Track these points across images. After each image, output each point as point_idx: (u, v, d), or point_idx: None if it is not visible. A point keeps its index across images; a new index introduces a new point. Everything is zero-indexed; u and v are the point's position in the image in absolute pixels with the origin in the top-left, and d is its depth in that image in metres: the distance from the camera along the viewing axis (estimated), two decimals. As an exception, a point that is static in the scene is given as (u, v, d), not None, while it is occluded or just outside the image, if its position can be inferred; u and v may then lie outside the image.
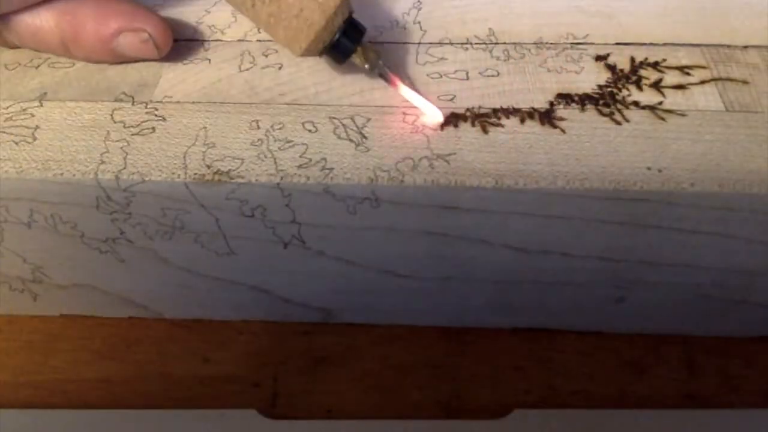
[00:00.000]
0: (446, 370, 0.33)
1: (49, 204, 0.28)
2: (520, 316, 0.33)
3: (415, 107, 0.28)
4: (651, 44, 0.31)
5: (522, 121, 0.28)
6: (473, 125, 0.28)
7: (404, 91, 0.28)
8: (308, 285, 0.32)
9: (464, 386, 0.32)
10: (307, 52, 0.28)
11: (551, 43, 0.31)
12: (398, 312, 0.33)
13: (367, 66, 0.28)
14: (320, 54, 0.28)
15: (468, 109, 0.29)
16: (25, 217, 0.28)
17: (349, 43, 0.28)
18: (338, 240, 0.29)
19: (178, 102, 0.29)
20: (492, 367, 0.33)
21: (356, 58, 0.28)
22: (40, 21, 0.29)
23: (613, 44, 0.31)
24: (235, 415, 0.31)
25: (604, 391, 0.32)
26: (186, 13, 0.33)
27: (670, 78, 0.30)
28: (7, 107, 0.29)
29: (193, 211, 0.28)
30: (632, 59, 0.31)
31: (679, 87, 0.30)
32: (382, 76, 0.29)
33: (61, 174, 0.27)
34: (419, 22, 0.32)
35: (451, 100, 0.29)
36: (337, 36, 0.27)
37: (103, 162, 0.27)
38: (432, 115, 0.28)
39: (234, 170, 0.27)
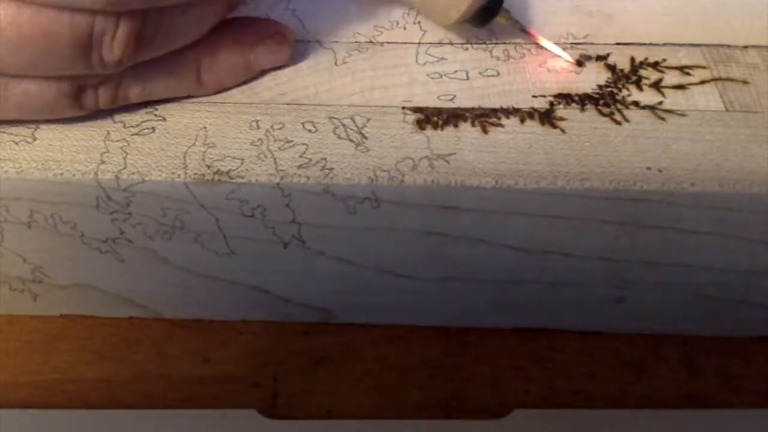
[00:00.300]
0: (446, 370, 0.33)
1: (49, 204, 0.28)
2: (520, 316, 0.33)
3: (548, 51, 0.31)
4: (651, 44, 0.31)
5: (522, 121, 0.28)
6: (473, 125, 0.28)
7: (542, 41, 0.31)
8: (308, 285, 0.32)
9: (464, 386, 0.32)
10: (463, 17, 0.29)
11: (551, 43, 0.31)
12: (398, 312, 0.33)
13: (512, 22, 0.30)
14: (467, 20, 0.29)
15: (468, 109, 0.29)
16: (25, 217, 0.28)
17: (495, 3, 0.29)
18: (338, 240, 0.29)
19: (178, 102, 0.29)
20: (492, 367, 0.33)
21: (500, 18, 0.30)
22: (176, 62, 0.27)
23: (613, 44, 0.31)
24: (235, 415, 0.31)
25: (604, 391, 0.32)
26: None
27: (670, 78, 0.30)
28: None
29: (193, 211, 0.28)
30: (632, 59, 0.31)
31: (679, 87, 0.30)
32: (523, 30, 0.31)
33: (61, 174, 0.27)
34: (419, 22, 0.32)
35: (451, 100, 0.29)
36: None
37: (103, 162, 0.27)
38: (566, 58, 0.30)
39: (234, 170, 0.27)
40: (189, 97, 0.29)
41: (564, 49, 0.31)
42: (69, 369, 0.33)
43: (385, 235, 0.29)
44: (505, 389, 0.32)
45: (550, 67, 0.30)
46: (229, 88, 0.29)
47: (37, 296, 0.33)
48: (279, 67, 0.30)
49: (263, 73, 0.30)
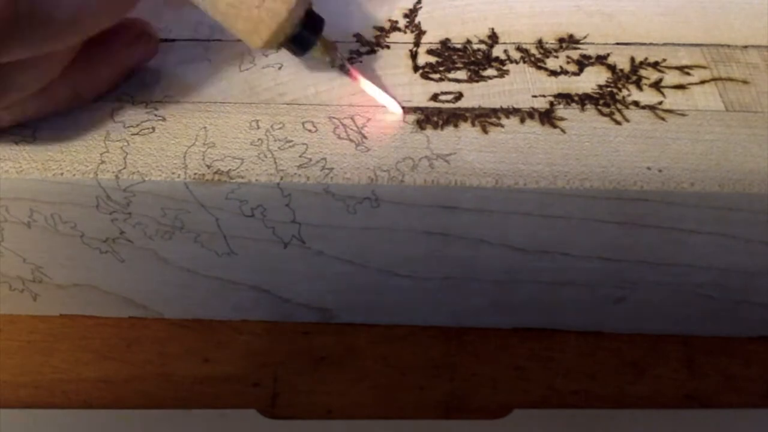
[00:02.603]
0: (446, 370, 0.33)
1: (49, 204, 0.28)
2: (520, 316, 0.33)
3: (378, 102, 0.28)
4: (651, 44, 0.31)
5: (522, 121, 0.28)
6: (473, 125, 0.28)
7: (365, 85, 0.28)
8: (308, 285, 0.32)
9: (464, 386, 0.32)
10: (267, 45, 0.26)
11: (551, 43, 0.31)
12: (398, 312, 0.33)
13: (328, 59, 0.28)
14: (278, 47, 0.27)
15: (468, 109, 0.29)
16: (25, 217, 0.28)
17: (309, 35, 0.27)
18: (338, 240, 0.29)
19: (178, 102, 0.29)
20: (492, 367, 0.33)
21: (316, 51, 0.27)
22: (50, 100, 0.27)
23: (613, 44, 0.31)
24: (235, 415, 0.31)
25: (604, 391, 0.32)
26: (186, 13, 0.33)
27: (670, 78, 0.30)
28: None
29: (193, 211, 0.28)
30: (632, 59, 0.31)
31: (679, 87, 0.30)
32: (342, 69, 0.28)
33: (61, 174, 0.27)
34: (419, 23, 0.32)
35: (452, 100, 0.29)
36: (298, 28, 0.26)
37: (103, 162, 0.27)
38: (393, 109, 0.28)
39: (234, 170, 0.27)
40: (186, 95, 0.29)
41: (563, 50, 0.31)
42: (69, 369, 0.33)
43: (385, 235, 0.29)
44: (505, 389, 0.32)
45: (376, 120, 0.28)
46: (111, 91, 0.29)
47: (37, 296, 0.33)
48: (279, 67, 0.30)
49: (260, 72, 0.30)
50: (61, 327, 0.34)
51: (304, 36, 0.27)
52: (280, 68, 0.30)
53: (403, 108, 0.28)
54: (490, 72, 0.30)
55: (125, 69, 0.29)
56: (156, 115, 0.29)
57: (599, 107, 0.29)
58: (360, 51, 0.31)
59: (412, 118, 0.28)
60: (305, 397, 0.32)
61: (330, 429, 0.31)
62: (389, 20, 0.33)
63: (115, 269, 0.31)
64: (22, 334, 0.34)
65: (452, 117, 0.28)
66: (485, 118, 0.28)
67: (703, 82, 0.30)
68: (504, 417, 0.31)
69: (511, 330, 0.34)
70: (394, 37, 0.32)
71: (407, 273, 0.31)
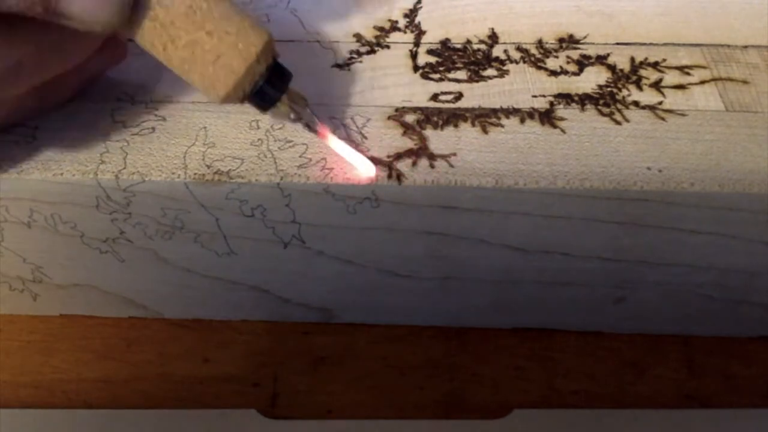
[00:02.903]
0: (446, 370, 0.33)
1: (49, 204, 0.28)
2: (520, 316, 0.33)
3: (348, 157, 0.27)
4: (651, 44, 0.31)
5: (522, 121, 0.28)
6: (473, 125, 0.28)
7: (333, 142, 0.27)
8: (308, 285, 0.32)
9: (464, 386, 0.32)
10: (227, 101, 0.25)
11: (551, 43, 0.31)
12: (398, 312, 0.33)
13: (292, 116, 0.26)
14: (242, 101, 0.25)
15: (468, 109, 0.29)
16: (25, 217, 0.28)
17: (273, 91, 0.25)
18: (338, 240, 0.29)
19: (178, 102, 0.29)
20: (492, 367, 0.33)
21: (281, 107, 0.25)
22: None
23: (613, 44, 0.31)
24: (235, 415, 0.31)
25: (604, 391, 0.32)
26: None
27: (670, 78, 0.30)
28: None
29: (193, 211, 0.28)
30: (632, 59, 0.31)
31: (679, 87, 0.30)
32: (309, 127, 0.26)
33: (61, 174, 0.27)
34: (419, 23, 0.32)
35: (452, 100, 0.29)
36: (260, 84, 0.24)
37: (103, 162, 0.27)
38: (364, 169, 0.27)
39: (234, 170, 0.27)
40: (186, 95, 0.29)
41: (563, 50, 0.31)
42: (69, 369, 0.33)
43: (385, 235, 0.29)
44: (505, 389, 0.32)
45: (351, 175, 0.27)
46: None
47: (37, 296, 0.33)
48: None
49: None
50: (61, 327, 0.34)
51: (267, 92, 0.25)
52: None
53: (375, 165, 0.27)
54: (490, 72, 0.30)
55: (91, 75, 0.29)
56: (156, 115, 0.29)
57: (599, 107, 0.29)
58: (360, 51, 0.31)
59: (412, 118, 0.28)
60: (305, 397, 0.32)
61: (330, 429, 0.31)
62: (389, 20, 0.33)
63: (115, 269, 0.31)
64: (22, 334, 0.34)
65: (452, 117, 0.28)
66: (485, 118, 0.28)
67: (703, 82, 0.30)
68: (504, 417, 0.31)
69: (511, 330, 0.34)
70: (394, 37, 0.32)
71: (407, 273, 0.31)
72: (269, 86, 0.25)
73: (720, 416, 0.31)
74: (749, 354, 0.33)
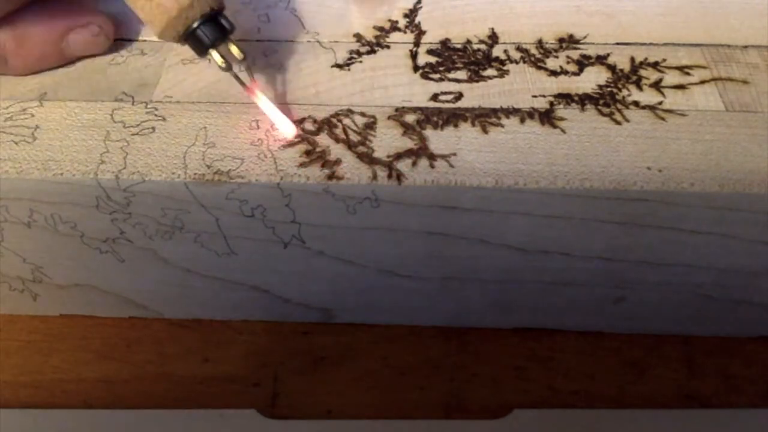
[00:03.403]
0: (446, 370, 0.33)
1: (49, 204, 0.28)
2: (520, 316, 0.33)
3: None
4: (651, 44, 0.31)
5: (522, 121, 0.28)
6: (473, 125, 0.28)
7: (261, 101, 0.28)
8: (308, 285, 0.32)
9: (464, 386, 0.32)
10: (164, 37, 0.27)
11: (551, 43, 0.31)
12: (398, 312, 0.33)
13: (223, 66, 0.27)
14: (181, 42, 0.27)
15: (468, 109, 0.29)
16: (25, 217, 0.28)
17: (206, 36, 0.27)
18: (338, 240, 0.29)
19: (178, 102, 0.29)
20: (492, 367, 0.33)
21: (214, 54, 0.27)
22: None
23: (613, 44, 0.31)
24: (235, 415, 0.31)
25: (604, 391, 0.32)
26: None
27: (670, 78, 0.30)
28: (7, 107, 0.29)
29: (193, 211, 0.28)
30: (632, 59, 0.31)
31: (679, 87, 0.30)
32: (237, 79, 0.28)
33: (61, 174, 0.27)
34: (419, 23, 0.32)
35: (452, 100, 0.29)
36: (194, 26, 0.27)
37: (103, 162, 0.27)
38: (284, 128, 0.28)
39: (234, 170, 0.27)
40: (186, 95, 0.29)
41: (563, 50, 0.31)
42: (69, 369, 0.33)
43: (385, 235, 0.29)
44: (505, 389, 0.32)
45: (268, 135, 0.28)
46: (42, 71, 0.30)
47: (37, 296, 0.33)
48: (279, 67, 0.30)
49: (261, 72, 0.30)
50: (61, 327, 0.34)
51: (199, 36, 0.27)
52: (280, 68, 0.30)
53: (298, 126, 0.28)
54: (490, 72, 0.30)
55: (62, 52, 0.30)
56: (156, 115, 0.29)
57: (599, 107, 0.29)
58: (360, 51, 0.31)
59: (412, 118, 0.28)
60: (305, 397, 0.32)
61: (330, 429, 0.31)
62: (389, 20, 0.33)
63: (115, 269, 0.31)
64: (22, 334, 0.34)
65: (452, 117, 0.28)
66: (485, 118, 0.28)
67: (703, 82, 0.30)
68: (504, 417, 0.31)
69: (511, 330, 0.34)
70: (394, 37, 0.32)
71: (407, 273, 0.31)
72: (203, 33, 0.27)
73: (720, 416, 0.31)
74: (749, 354, 0.33)
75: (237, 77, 0.28)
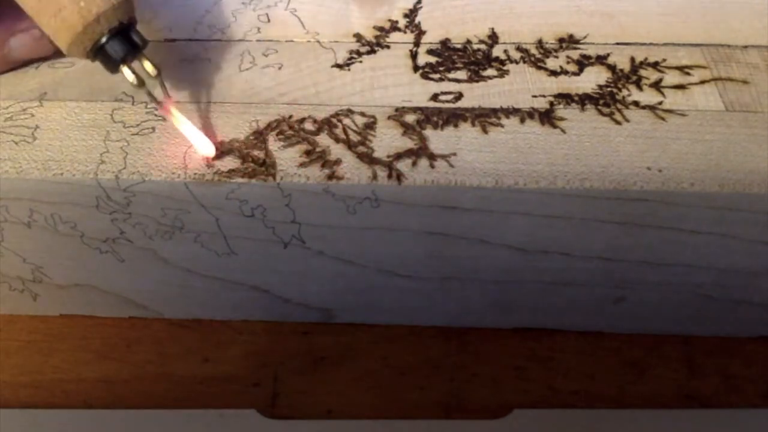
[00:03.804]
0: (446, 370, 0.33)
1: (49, 204, 0.28)
2: (520, 316, 0.33)
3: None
4: (651, 44, 0.31)
5: (522, 121, 0.28)
6: (473, 125, 0.28)
7: (176, 118, 0.27)
8: (308, 285, 0.32)
9: (464, 386, 0.32)
10: (72, 54, 0.26)
11: (551, 43, 0.31)
12: (398, 312, 0.33)
13: (135, 83, 0.26)
14: (91, 58, 0.26)
15: (468, 109, 0.29)
16: (25, 217, 0.28)
17: (115, 52, 0.26)
18: (338, 240, 0.29)
19: (178, 102, 0.29)
20: (492, 367, 0.33)
21: (125, 71, 0.26)
22: None
23: (613, 44, 0.31)
24: (235, 415, 0.31)
25: (604, 391, 0.32)
26: (186, 13, 0.33)
27: (670, 78, 0.30)
28: (7, 107, 0.29)
29: (193, 211, 0.28)
30: (632, 59, 0.31)
31: (679, 87, 0.30)
32: (151, 96, 0.27)
33: (61, 174, 0.27)
34: (419, 23, 0.32)
35: (452, 100, 0.29)
36: (102, 41, 0.26)
37: (103, 162, 0.27)
38: (203, 148, 0.27)
39: (234, 170, 0.27)
40: (186, 95, 0.29)
41: (563, 50, 0.31)
42: (69, 369, 0.33)
43: (385, 235, 0.29)
44: (505, 389, 0.32)
45: (190, 154, 0.27)
46: None
47: (37, 296, 0.33)
48: (279, 67, 0.30)
49: (260, 72, 0.30)
50: (61, 327, 0.34)
51: (108, 52, 0.26)
52: (280, 68, 0.30)
53: (217, 148, 0.27)
54: (490, 72, 0.30)
55: (5, 57, 0.29)
56: (156, 115, 0.29)
57: (599, 107, 0.29)
58: (360, 51, 0.31)
59: (412, 118, 0.28)
60: (305, 397, 0.32)
61: (330, 429, 0.31)
62: (389, 20, 0.33)
63: (115, 269, 0.31)
64: (22, 334, 0.34)
65: (452, 117, 0.28)
66: (485, 118, 0.28)
67: (703, 82, 0.30)
68: (504, 417, 0.31)
69: (511, 330, 0.34)
70: (394, 37, 0.32)
71: (407, 273, 0.31)
72: (113, 49, 0.26)
73: (720, 416, 0.31)
74: (749, 354, 0.33)
75: (150, 94, 0.27)
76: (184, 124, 0.27)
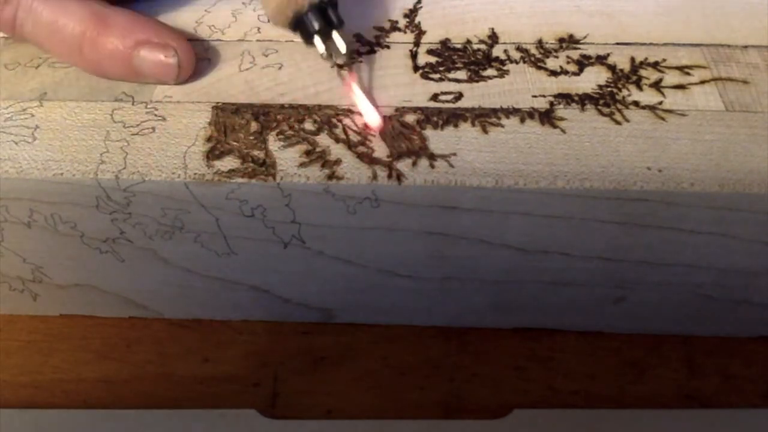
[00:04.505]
0: (446, 370, 0.33)
1: (49, 204, 0.28)
2: (520, 315, 0.33)
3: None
4: (651, 44, 0.31)
5: (522, 121, 0.28)
6: (473, 125, 0.28)
7: (354, 91, 0.29)
8: (308, 285, 0.32)
9: (464, 386, 0.32)
10: (275, 20, 0.29)
11: (551, 43, 0.31)
12: (398, 312, 0.33)
13: (324, 55, 0.29)
14: (292, 28, 0.29)
15: (468, 109, 0.29)
16: (25, 217, 0.28)
17: (313, 25, 0.29)
18: (338, 240, 0.29)
19: (178, 102, 0.29)
20: (492, 367, 0.33)
21: (317, 43, 0.29)
22: (66, 13, 0.28)
23: (613, 44, 0.31)
24: (235, 415, 0.31)
25: (604, 391, 0.32)
26: (186, 13, 0.33)
27: (670, 78, 0.30)
28: (7, 107, 0.29)
29: (193, 211, 0.28)
30: (632, 59, 0.31)
31: (679, 87, 0.30)
32: (339, 73, 0.30)
33: (61, 174, 0.27)
34: (419, 23, 0.32)
35: (452, 100, 0.29)
36: (301, 14, 0.28)
37: (103, 162, 0.27)
38: (372, 119, 0.28)
39: (234, 170, 0.27)
40: (186, 95, 0.29)
41: (563, 50, 0.31)
42: (69, 369, 0.33)
43: (385, 235, 0.29)
44: (505, 389, 0.32)
45: (359, 124, 0.28)
46: (112, 78, 0.30)
47: (37, 296, 0.33)
48: (279, 67, 0.30)
49: (260, 72, 0.30)
50: (61, 327, 0.34)
51: (307, 23, 0.29)
52: (280, 68, 0.30)
53: (384, 118, 0.28)
54: (490, 72, 0.30)
55: (131, 61, 0.29)
56: (156, 115, 0.29)
57: (599, 107, 0.29)
58: (360, 51, 0.31)
59: (412, 118, 0.28)
60: (305, 397, 0.32)
61: (330, 429, 0.31)
62: (389, 20, 0.33)
63: (115, 269, 0.31)
64: (22, 334, 0.34)
65: (452, 117, 0.28)
66: (485, 118, 0.28)
67: (703, 82, 0.30)
68: (504, 417, 0.31)
69: (511, 330, 0.34)
70: (394, 37, 0.32)
71: (407, 273, 0.31)
72: (312, 20, 0.29)
73: (720, 416, 0.31)
74: (749, 354, 0.33)
75: (339, 71, 0.30)
76: (360, 98, 0.29)
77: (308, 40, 0.29)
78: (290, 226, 0.28)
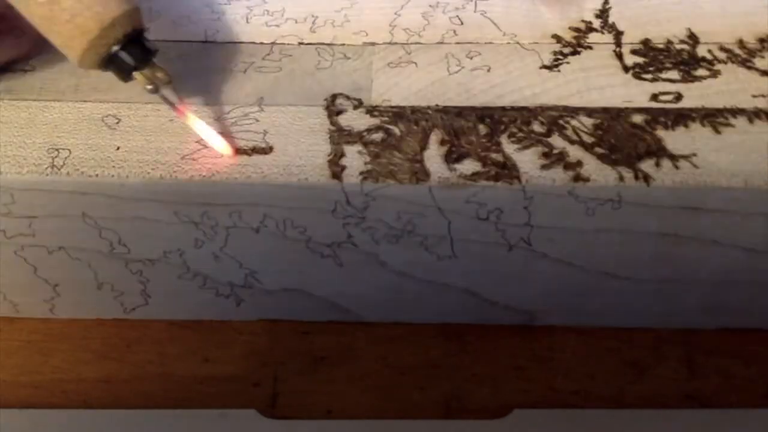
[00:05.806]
0: (446, 370, 0.33)
1: (285, 209, 0.28)
2: (727, 317, 0.33)
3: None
4: None
5: (750, 120, 0.28)
6: (703, 125, 0.28)
7: (191, 121, 0.27)
8: (518, 288, 0.31)
9: (464, 386, 0.32)
10: (84, 62, 0.26)
11: (752, 43, 0.31)
12: (607, 314, 0.32)
13: (149, 88, 0.26)
14: (103, 67, 0.26)
15: (693, 110, 0.28)
16: (255, 222, 0.28)
17: (129, 59, 0.26)
18: (566, 242, 0.28)
19: (397, 104, 0.29)
20: (492, 367, 0.33)
21: (138, 77, 0.26)
22: None
23: None
24: (235, 415, 0.31)
25: (604, 391, 0.32)
26: (377, 16, 0.33)
27: None
28: (229, 111, 0.29)
29: (429, 214, 0.27)
30: None
31: None
32: (167, 101, 0.27)
33: (306, 179, 0.27)
34: (613, 23, 0.32)
35: (672, 100, 0.29)
36: (115, 49, 0.26)
37: (342, 167, 0.27)
38: (219, 147, 0.27)
39: (477, 173, 0.26)
40: (403, 98, 0.29)
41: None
42: (69, 369, 0.33)
43: (617, 237, 0.28)
44: (505, 389, 0.32)
45: (206, 153, 0.27)
46: None
47: (241, 301, 0.33)
48: (488, 70, 0.30)
49: (471, 74, 0.30)
50: (61, 327, 0.34)
51: (122, 59, 0.26)
52: (489, 70, 0.30)
53: (234, 148, 0.27)
54: (701, 72, 0.30)
55: None
56: (382, 119, 0.28)
57: None
58: (563, 52, 0.31)
59: (639, 118, 0.28)
60: (305, 397, 0.32)
61: (330, 429, 0.31)
62: (582, 21, 0.32)
63: (329, 273, 0.31)
64: (22, 334, 0.34)
65: (680, 117, 0.28)
66: (713, 118, 0.28)
67: None
68: (504, 417, 0.31)
69: (511, 329, 0.34)
70: (593, 37, 0.31)
71: (626, 275, 0.30)
72: (127, 55, 0.26)
73: (720, 416, 0.31)
74: (749, 354, 0.33)
75: (167, 100, 0.27)
76: (201, 127, 0.27)
77: (126, 77, 0.26)
78: (522, 229, 0.28)
